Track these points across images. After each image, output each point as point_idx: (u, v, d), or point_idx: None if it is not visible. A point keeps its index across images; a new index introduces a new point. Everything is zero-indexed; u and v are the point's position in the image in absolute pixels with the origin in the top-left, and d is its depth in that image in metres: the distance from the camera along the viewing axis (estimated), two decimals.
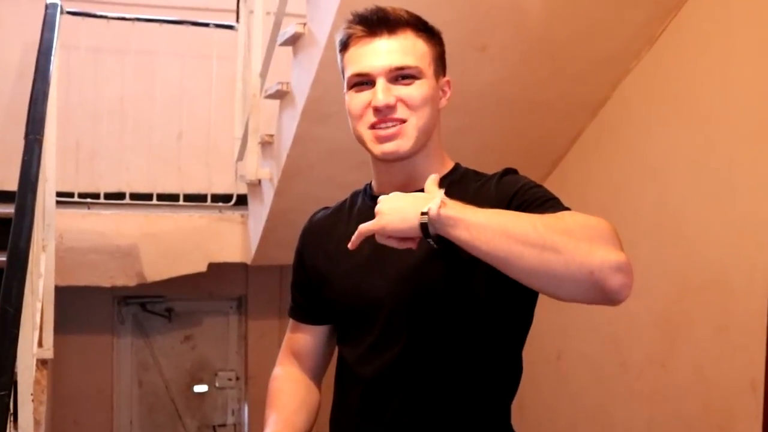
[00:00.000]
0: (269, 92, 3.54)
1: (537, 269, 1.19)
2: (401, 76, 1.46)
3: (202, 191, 4.59)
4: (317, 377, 1.73)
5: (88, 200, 4.35)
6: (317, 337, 1.70)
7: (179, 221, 4.36)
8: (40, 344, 3.31)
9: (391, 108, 1.45)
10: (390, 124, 1.46)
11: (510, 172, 1.52)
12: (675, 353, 3.05)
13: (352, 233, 1.36)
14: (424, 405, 1.47)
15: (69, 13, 4.07)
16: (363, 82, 1.48)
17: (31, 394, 2.64)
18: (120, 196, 4.45)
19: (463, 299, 1.45)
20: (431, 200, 1.24)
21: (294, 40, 3.25)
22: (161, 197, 4.52)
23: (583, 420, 3.61)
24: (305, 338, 1.71)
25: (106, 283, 4.22)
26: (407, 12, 1.50)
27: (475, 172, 1.57)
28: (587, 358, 3.58)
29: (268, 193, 3.79)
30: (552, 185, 1.75)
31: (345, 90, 1.53)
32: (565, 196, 1.47)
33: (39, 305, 3.21)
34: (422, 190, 1.34)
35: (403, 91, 1.46)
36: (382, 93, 1.45)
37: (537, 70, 3.23)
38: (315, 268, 1.65)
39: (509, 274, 1.23)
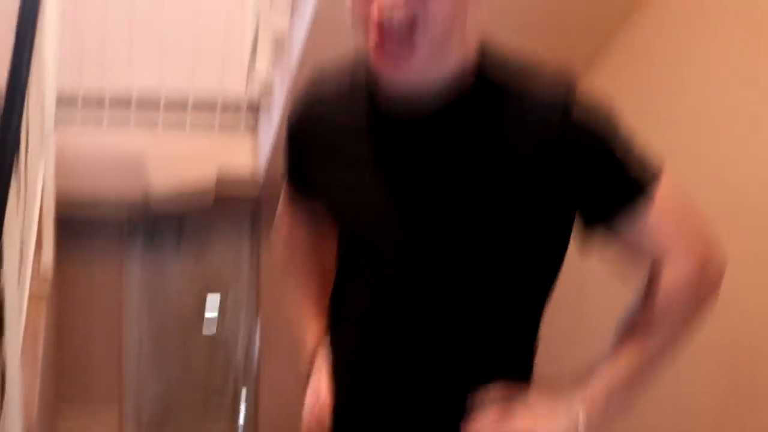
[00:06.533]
0: None
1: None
2: None
3: (212, 100, 4.38)
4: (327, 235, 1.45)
5: (94, 107, 4.16)
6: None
7: (187, 132, 4.22)
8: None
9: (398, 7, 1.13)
10: (394, 33, 1.14)
11: (574, 90, 1.23)
12: None
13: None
14: (424, 356, 1.27)
15: None
16: None
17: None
18: (126, 102, 4.25)
19: (487, 241, 1.22)
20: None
21: None
22: (169, 105, 4.32)
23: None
24: (306, 211, 1.46)
25: (111, 195, 4.09)
26: None
27: (504, 77, 1.24)
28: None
29: (279, 99, 3.60)
30: None
31: None
32: None
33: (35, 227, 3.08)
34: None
35: None
36: None
37: None
38: (309, 168, 1.36)
39: None
